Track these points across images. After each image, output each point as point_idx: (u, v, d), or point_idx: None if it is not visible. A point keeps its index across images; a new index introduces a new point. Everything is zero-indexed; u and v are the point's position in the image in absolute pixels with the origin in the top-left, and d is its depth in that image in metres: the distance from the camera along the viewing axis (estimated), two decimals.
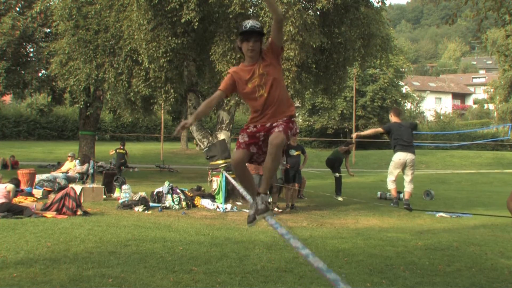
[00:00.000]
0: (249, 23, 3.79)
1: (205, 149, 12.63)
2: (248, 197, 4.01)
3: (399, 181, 9.07)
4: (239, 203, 12.12)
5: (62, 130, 38.78)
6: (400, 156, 8.87)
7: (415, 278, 5.62)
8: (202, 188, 13.02)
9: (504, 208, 14.31)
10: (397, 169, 8.96)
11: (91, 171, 14.57)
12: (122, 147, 20.23)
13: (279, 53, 3.94)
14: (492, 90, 49.10)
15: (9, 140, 34.91)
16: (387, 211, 11.66)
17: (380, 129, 9.51)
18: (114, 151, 20.41)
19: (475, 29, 9.66)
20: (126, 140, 22.47)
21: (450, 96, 75.00)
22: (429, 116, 57.34)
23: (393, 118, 9.35)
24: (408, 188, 9.15)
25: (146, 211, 10.56)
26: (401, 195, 11.30)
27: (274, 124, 3.73)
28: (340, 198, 13.44)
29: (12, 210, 9.17)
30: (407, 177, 9.01)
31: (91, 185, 12.61)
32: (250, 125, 3.88)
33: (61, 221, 8.69)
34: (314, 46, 10.52)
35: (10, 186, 9.85)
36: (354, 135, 9.96)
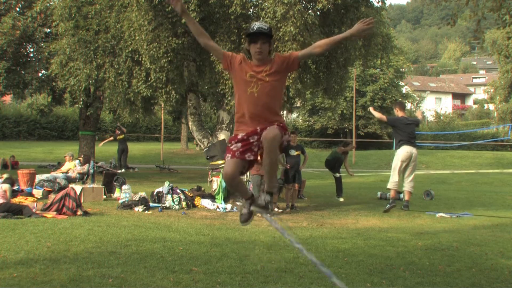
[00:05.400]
0: (256, 25, 3.71)
1: (205, 149, 12.63)
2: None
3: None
4: (239, 203, 12.11)
5: (62, 130, 38.77)
6: (406, 149, 8.85)
7: (415, 278, 5.62)
8: (202, 188, 13.02)
9: (504, 208, 14.33)
10: (403, 162, 8.91)
11: (91, 171, 14.56)
12: (119, 132, 20.61)
13: (293, 68, 3.87)
14: (492, 90, 49.08)
15: (9, 140, 34.91)
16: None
17: (384, 118, 9.50)
18: (111, 138, 20.82)
19: (473, 30, 9.66)
20: (127, 140, 22.47)
21: (450, 96, 75.00)
22: (429, 116, 57.33)
23: (399, 113, 9.35)
24: (408, 187, 9.12)
25: (146, 211, 10.56)
26: (401, 195, 11.30)
27: (266, 126, 3.64)
28: (341, 199, 13.44)
29: (12, 210, 9.17)
30: (408, 174, 9.00)
31: (91, 185, 12.61)
32: (238, 132, 3.76)
33: (61, 221, 8.69)
34: None
35: (5, 186, 9.86)
36: (371, 108, 10.04)
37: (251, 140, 3.68)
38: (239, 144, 3.68)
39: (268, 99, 3.72)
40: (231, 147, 3.70)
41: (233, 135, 3.81)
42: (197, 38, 3.82)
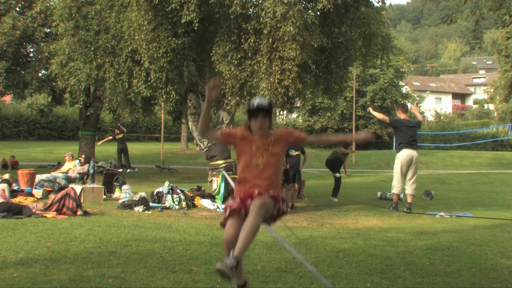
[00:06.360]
0: (256, 101, 3.78)
1: (205, 149, 12.63)
2: None
3: None
4: None
5: (62, 130, 38.76)
6: (407, 153, 8.86)
7: (415, 278, 5.62)
8: (202, 188, 13.02)
9: (504, 208, 14.33)
10: (405, 166, 8.91)
11: (91, 171, 14.57)
12: (119, 132, 20.71)
13: (296, 144, 3.98)
14: (492, 90, 49.11)
15: (9, 140, 34.91)
16: (387, 212, 11.65)
17: (386, 119, 9.48)
18: (110, 137, 20.88)
19: (471, 29, 9.66)
20: (126, 140, 22.49)
21: (450, 96, 75.05)
22: (429, 116, 57.34)
23: (401, 115, 9.36)
24: (410, 189, 9.14)
25: (146, 211, 10.57)
26: (401, 196, 11.31)
27: (262, 192, 3.68)
28: (335, 200, 13.43)
29: (12, 210, 9.18)
30: (410, 177, 9.01)
31: (91, 185, 12.61)
32: (238, 193, 3.78)
33: (61, 221, 8.69)
34: (315, 46, 10.53)
35: (3, 185, 9.86)
36: (370, 108, 10.02)
37: (251, 194, 3.74)
38: (238, 199, 3.74)
39: (272, 171, 3.80)
40: (230, 204, 3.73)
41: (232, 197, 3.84)
42: (200, 127, 3.84)
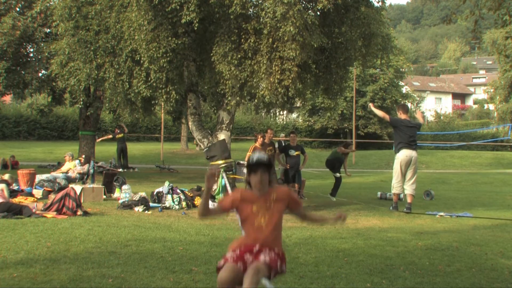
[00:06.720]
0: (255, 156, 3.79)
1: (205, 149, 12.62)
2: None
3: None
4: None
5: (62, 130, 38.75)
6: (406, 153, 8.85)
7: (415, 278, 5.62)
8: (202, 189, 13.01)
9: (504, 208, 14.32)
10: (404, 166, 8.91)
11: (91, 171, 14.57)
12: (119, 131, 20.74)
13: (291, 210, 3.94)
14: (492, 90, 49.09)
15: (9, 140, 34.90)
16: (387, 212, 11.66)
17: (387, 117, 9.46)
18: (110, 136, 20.91)
19: (471, 29, 9.65)
20: (126, 140, 22.49)
21: (450, 96, 75.07)
22: (429, 116, 57.34)
23: (402, 115, 9.35)
24: (409, 190, 9.14)
25: (146, 211, 10.57)
26: (401, 196, 11.31)
27: (262, 250, 3.69)
28: (334, 199, 13.43)
29: (11, 210, 9.18)
30: (409, 177, 9.01)
31: (91, 185, 12.61)
32: (239, 246, 3.79)
33: (61, 221, 8.69)
34: (315, 46, 10.52)
35: (1, 185, 9.86)
36: (371, 104, 9.99)
37: (251, 248, 3.75)
38: (237, 252, 3.74)
39: (275, 230, 3.81)
40: (227, 257, 3.74)
41: (232, 249, 3.83)
42: (201, 213, 3.87)
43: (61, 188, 11.73)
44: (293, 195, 3.94)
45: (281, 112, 38.12)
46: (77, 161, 15.02)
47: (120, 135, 21.26)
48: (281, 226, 3.90)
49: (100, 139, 22.51)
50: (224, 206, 3.88)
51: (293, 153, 12.05)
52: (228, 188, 11.10)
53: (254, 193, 3.83)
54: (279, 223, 3.84)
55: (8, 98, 34.76)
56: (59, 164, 18.16)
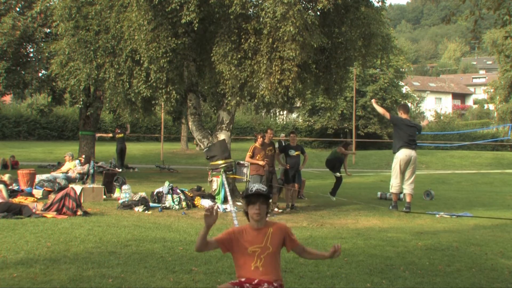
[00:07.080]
0: (254, 187, 3.78)
1: (205, 149, 12.63)
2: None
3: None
4: (239, 203, 12.12)
5: (62, 130, 38.75)
6: (406, 153, 8.84)
7: (415, 278, 5.62)
8: (202, 188, 13.02)
9: (504, 208, 14.31)
10: (403, 165, 8.90)
11: (91, 171, 14.56)
12: (119, 131, 20.78)
13: (287, 246, 3.88)
14: (492, 90, 49.04)
15: (9, 140, 34.90)
16: (387, 212, 11.66)
17: (387, 115, 9.45)
18: (110, 134, 20.97)
19: (470, 29, 9.65)
20: (126, 140, 22.48)
21: (450, 96, 75.03)
22: (429, 116, 57.33)
23: (402, 115, 9.34)
24: (408, 189, 9.11)
25: (146, 211, 10.56)
26: (401, 195, 11.30)
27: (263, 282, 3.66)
28: (333, 198, 13.43)
29: (11, 210, 9.18)
30: (408, 177, 8.99)
31: (91, 185, 12.60)
32: (239, 278, 3.77)
33: (61, 221, 8.69)
34: (315, 46, 10.53)
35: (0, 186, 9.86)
36: (374, 100, 9.95)
37: (251, 281, 3.72)
38: (237, 281, 3.72)
39: (274, 270, 3.74)
40: (225, 286, 3.72)
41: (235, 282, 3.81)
42: (198, 248, 3.88)
43: (61, 188, 11.73)
44: (290, 233, 3.83)
45: (281, 112, 38.08)
46: (77, 161, 15.01)
47: (120, 135, 21.25)
48: (279, 258, 3.83)
49: (100, 134, 22.56)
50: (222, 243, 3.84)
51: (293, 153, 12.05)
52: (227, 188, 11.10)
53: (252, 227, 3.79)
54: (275, 259, 3.76)
55: (8, 98, 34.76)
56: (59, 164, 18.16)
